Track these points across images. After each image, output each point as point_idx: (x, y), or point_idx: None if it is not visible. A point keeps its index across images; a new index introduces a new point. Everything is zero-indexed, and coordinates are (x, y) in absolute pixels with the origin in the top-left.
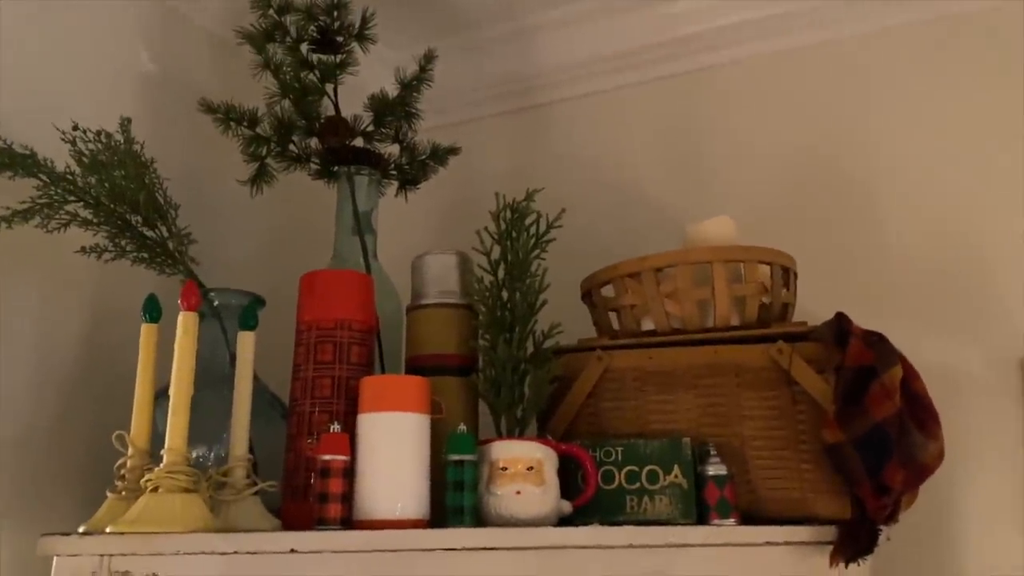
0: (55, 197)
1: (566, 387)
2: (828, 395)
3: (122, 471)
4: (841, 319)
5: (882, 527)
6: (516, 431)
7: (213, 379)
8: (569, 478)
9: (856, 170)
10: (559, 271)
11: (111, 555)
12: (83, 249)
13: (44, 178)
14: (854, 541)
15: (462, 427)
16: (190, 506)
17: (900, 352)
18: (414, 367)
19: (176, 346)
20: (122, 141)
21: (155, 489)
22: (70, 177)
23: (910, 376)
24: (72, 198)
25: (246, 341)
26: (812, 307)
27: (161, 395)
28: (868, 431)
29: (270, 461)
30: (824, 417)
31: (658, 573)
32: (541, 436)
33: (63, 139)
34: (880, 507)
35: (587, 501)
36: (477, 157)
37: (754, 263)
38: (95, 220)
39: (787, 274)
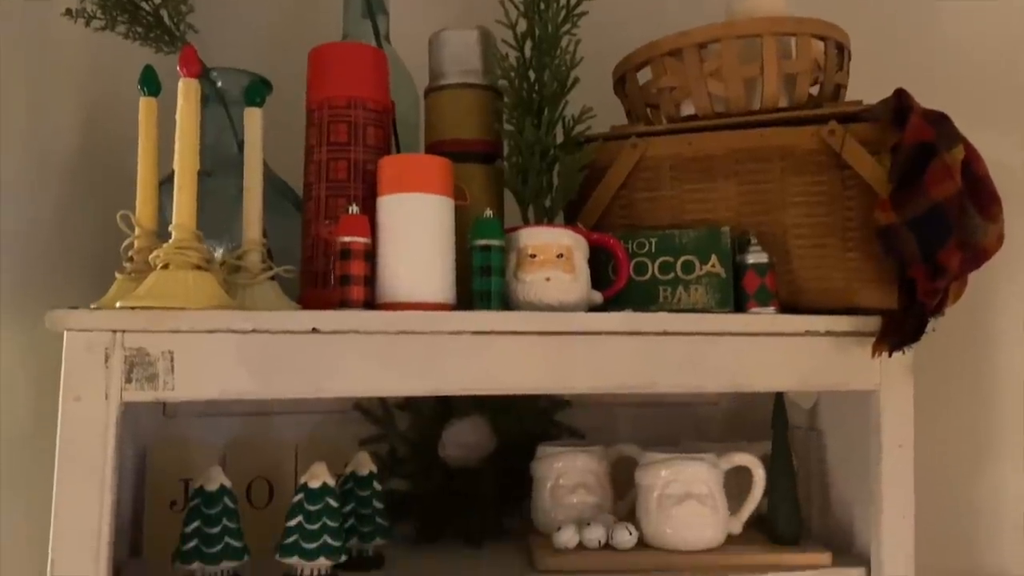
0: None
1: (597, 178)
2: (882, 178)
3: (130, 252)
4: (901, 96)
5: (929, 317)
6: (544, 221)
7: (221, 167)
8: (600, 271)
9: None
10: (588, 64)
11: (124, 331)
12: (68, 12)
13: None
14: (900, 329)
15: (488, 212)
16: (203, 283)
17: (962, 134)
18: (435, 154)
19: (178, 117)
20: None
21: (165, 266)
22: None
23: (972, 158)
24: None
25: (254, 118)
26: (858, 95)
27: (166, 182)
28: (925, 211)
29: (285, 254)
30: (878, 199)
31: (693, 363)
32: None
33: None
34: (932, 291)
35: (618, 291)
36: None
37: (807, 37)
38: None
39: (841, 52)
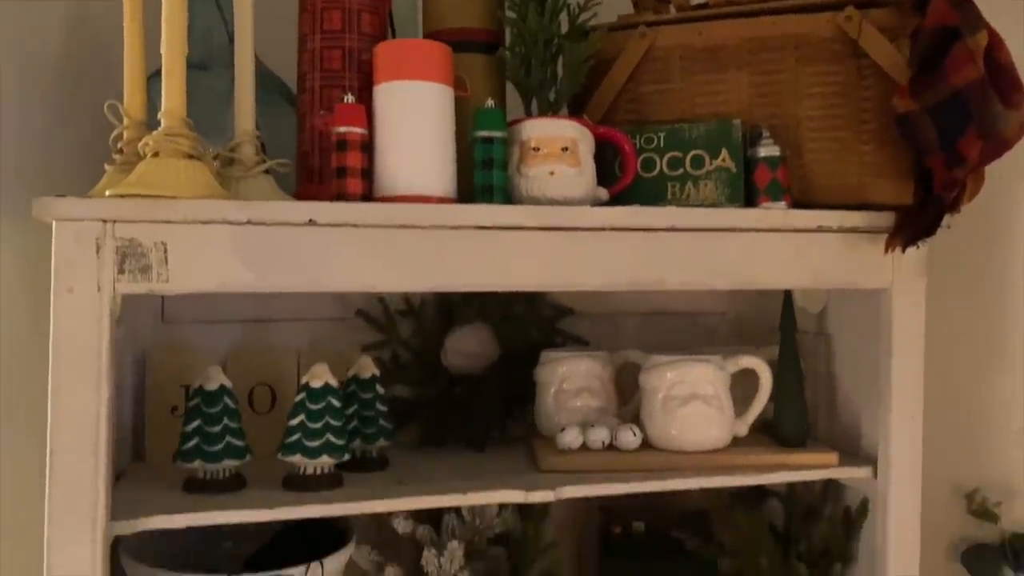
0: None
1: (603, 70)
2: (901, 66)
3: (119, 144)
4: None
5: (946, 211)
6: (548, 115)
7: (213, 63)
8: (605, 168)
9: None
10: None
11: (115, 221)
12: None
13: None
14: (915, 223)
15: (490, 102)
16: (195, 172)
17: (986, 19)
18: None
19: None
20: None
21: (155, 155)
22: None
23: (995, 44)
24: None
25: (244, 3)
26: None
27: (155, 76)
28: (946, 99)
29: (279, 152)
30: (896, 86)
31: (702, 260)
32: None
33: None
34: (950, 181)
35: (625, 188)
36: None
37: None
38: None
39: None
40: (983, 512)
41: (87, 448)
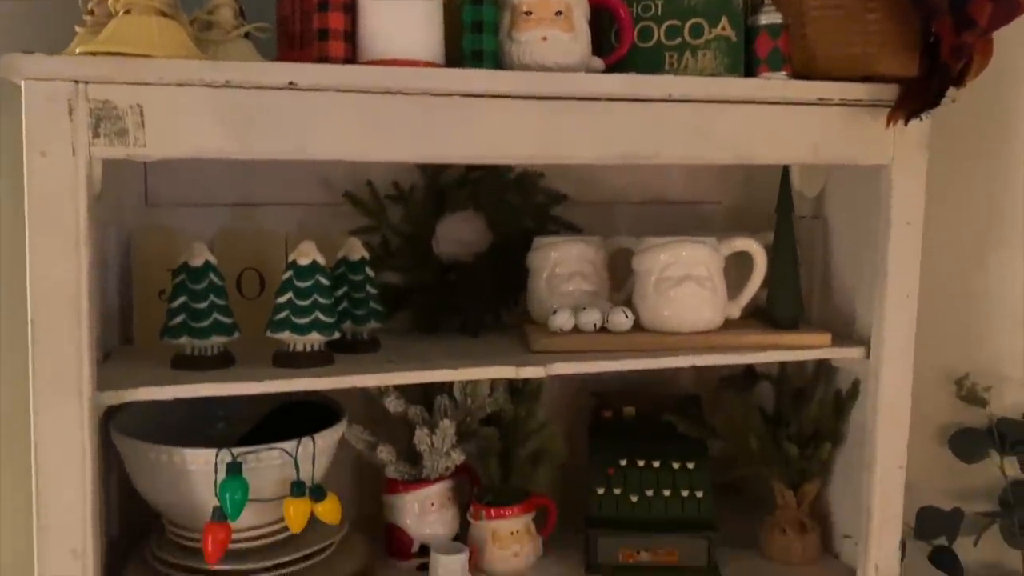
0: None
1: None
2: None
3: (89, 4)
4: None
5: (951, 83)
6: None
7: None
8: (601, 38)
9: None
10: None
11: (87, 82)
12: None
13: None
14: (919, 94)
15: None
16: (169, 30)
17: None
18: None
19: None
20: None
21: (127, 12)
22: None
23: None
24: None
25: None
26: None
27: None
28: None
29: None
30: None
31: (700, 133)
32: None
33: None
34: (958, 46)
35: (621, 58)
36: None
37: None
38: None
39: None
40: (972, 397)
41: (69, 316)
